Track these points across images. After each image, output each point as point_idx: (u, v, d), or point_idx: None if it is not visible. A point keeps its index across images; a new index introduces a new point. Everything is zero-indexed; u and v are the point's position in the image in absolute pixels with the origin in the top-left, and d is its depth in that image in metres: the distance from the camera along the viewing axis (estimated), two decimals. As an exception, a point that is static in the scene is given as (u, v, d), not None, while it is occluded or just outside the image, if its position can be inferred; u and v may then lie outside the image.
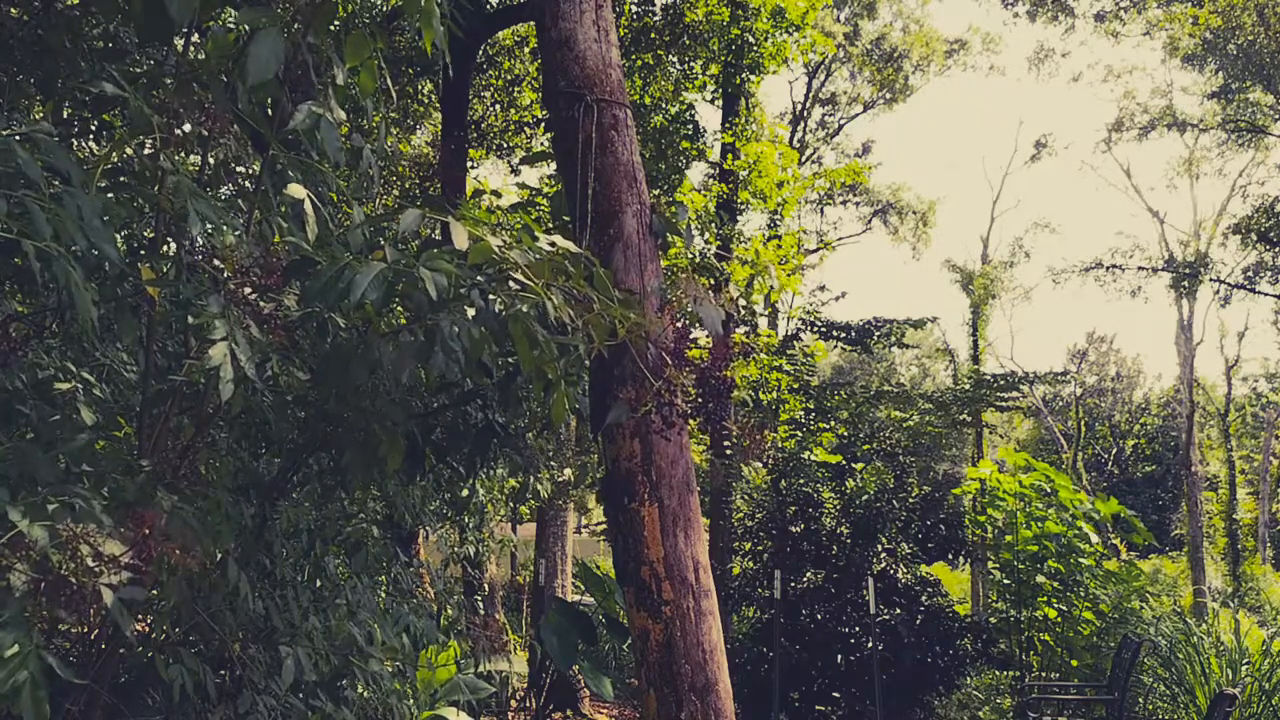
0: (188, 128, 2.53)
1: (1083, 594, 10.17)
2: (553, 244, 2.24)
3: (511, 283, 2.19)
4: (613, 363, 3.38)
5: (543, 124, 11.41)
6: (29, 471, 2.15)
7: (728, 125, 11.84)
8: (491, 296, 2.25)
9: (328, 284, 2.02)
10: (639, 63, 9.98)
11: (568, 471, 9.01)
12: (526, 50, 11.41)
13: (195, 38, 2.82)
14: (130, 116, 2.34)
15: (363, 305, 2.06)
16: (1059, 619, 10.10)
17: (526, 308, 2.14)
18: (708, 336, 3.08)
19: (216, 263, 2.35)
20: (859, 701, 8.71)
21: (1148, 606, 11.21)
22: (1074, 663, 10.12)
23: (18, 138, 1.98)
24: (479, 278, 2.26)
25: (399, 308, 2.89)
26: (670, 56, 10.11)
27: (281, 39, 2.14)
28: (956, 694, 9.48)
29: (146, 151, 2.43)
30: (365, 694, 3.73)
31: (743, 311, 10.68)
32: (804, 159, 25.19)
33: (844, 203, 27.35)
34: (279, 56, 2.11)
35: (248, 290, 2.15)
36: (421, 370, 2.47)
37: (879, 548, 9.41)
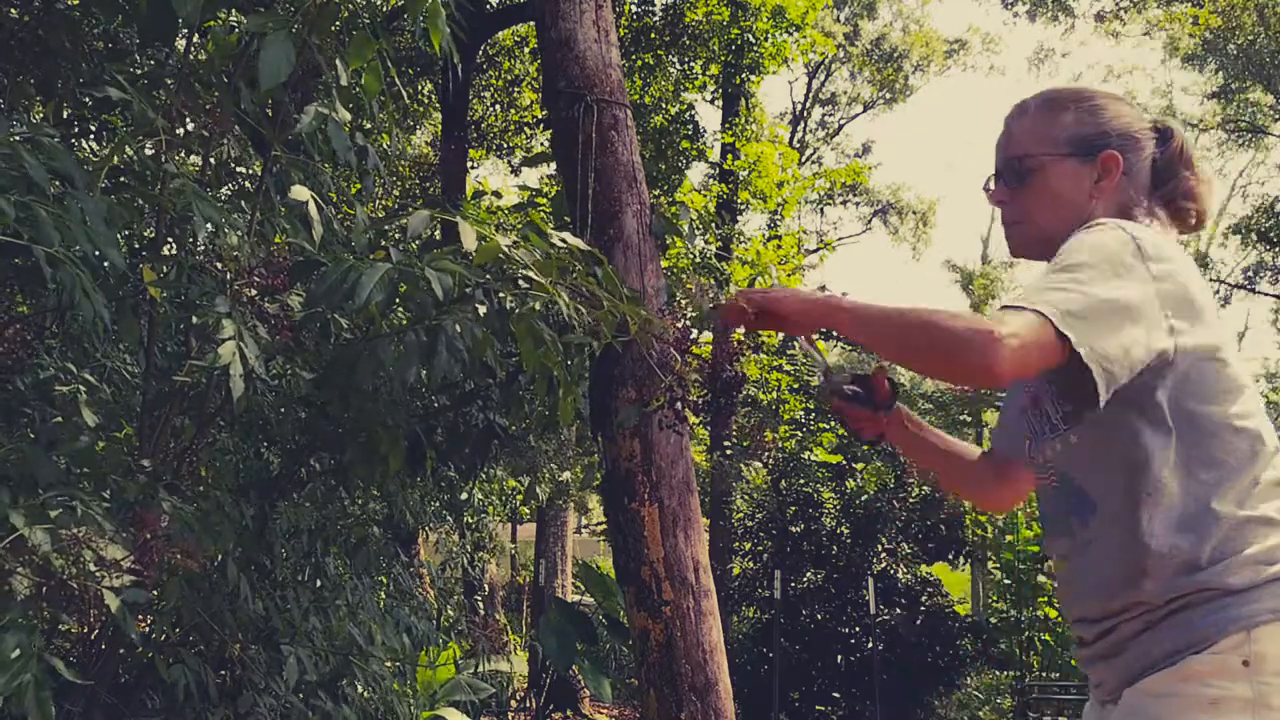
0: (188, 128, 2.53)
1: (1083, 594, 10.15)
2: (564, 240, 2.24)
3: (521, 282, 2.19)
4: (613, 363, 3.38)
5: (543, 124, 11.40)
6: (30, 473, 2.15)
7: (728, 125, 11.82)
8: (502, 295, 2.24)
9: (333, 285, 2.02)
10: (639, 63, 9.96)
11: (567, 474, 9.00)
12: (526, 50, 11.39)
13: (195, 38, 2.81)
14: (132, 117, 2.34)
15: (367, 306, 2.06)
16: (1059, 619, 10.08)
17: (538, 305, 2.14)
18: (709, 339, 3.08)
19: (219, 264, 2.35)
20: (859, 701, 8.71)
21: (1148, 606, 11.18)
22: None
23: (17, 138, 1.97)
24: (486, 277, 2.26)
25: (401, 308, 2.89)
26: (670, 56, 10.09)
27: (291, 43, 2.14)
28: (956, 694, 9.47)
29: (148, 153, 2.43)
30: (365, 694, 3.73)
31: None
32: (804, 159, 25.13)
33: (844, 203, 27.27)
34: (291, 61, 2.11)
35: (252, 291, 2.15)
36: (423, 370, 2.47)
37: (879, 548, 9.41)
